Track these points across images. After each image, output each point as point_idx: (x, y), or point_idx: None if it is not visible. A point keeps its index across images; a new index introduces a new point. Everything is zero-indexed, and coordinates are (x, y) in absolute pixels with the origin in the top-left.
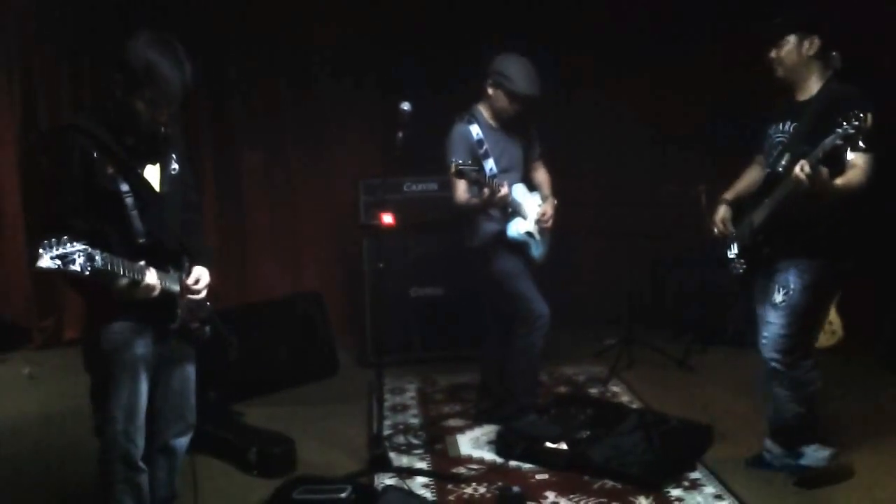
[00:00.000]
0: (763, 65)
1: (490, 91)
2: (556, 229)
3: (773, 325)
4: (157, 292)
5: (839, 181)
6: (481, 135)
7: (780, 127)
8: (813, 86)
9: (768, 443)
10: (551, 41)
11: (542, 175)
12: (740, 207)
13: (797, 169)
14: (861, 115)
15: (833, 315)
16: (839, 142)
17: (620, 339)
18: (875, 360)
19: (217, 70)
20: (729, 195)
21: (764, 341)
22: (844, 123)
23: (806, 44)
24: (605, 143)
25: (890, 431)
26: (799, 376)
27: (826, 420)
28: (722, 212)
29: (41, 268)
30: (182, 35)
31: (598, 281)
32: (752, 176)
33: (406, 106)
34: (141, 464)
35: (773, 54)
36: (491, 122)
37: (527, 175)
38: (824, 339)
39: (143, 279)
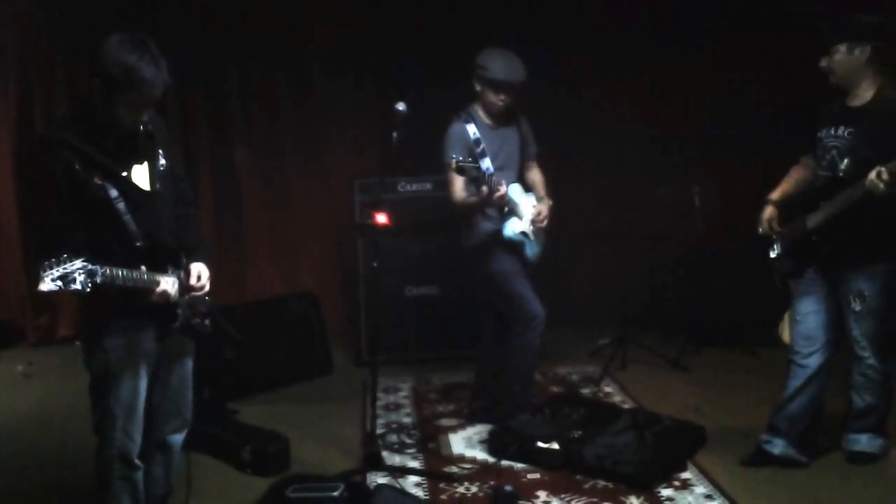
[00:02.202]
0: (760, 68)
1: (477, 87)
2: (552, 229)
3: (859, 329)
4: (172, 295)
5: None
6: (478, 134)
7: (833, 132)
8: (865, 92)
9: (765, 436)
10: (551, 41)
11: (536, 175)
12: (788, 208)
13: (873, 175)
14: None
15: None
16: None
17: (614, 339)
18: None
19: (215, 69)
20: (775, 195)
21: (861, 343)
22: None
23: (857, 51)
24: (605, 143)
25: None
26: (886, 369)
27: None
28: (769, 212)
29: (43, 291)
30: (181, 35)
31: (593, 281)
32: (798, 177)
33: (401, 106)
34: (137, 461)
35: (823, 63)
36: (487, 121)
37: (521, 174)
38: None
39: (154, 286)
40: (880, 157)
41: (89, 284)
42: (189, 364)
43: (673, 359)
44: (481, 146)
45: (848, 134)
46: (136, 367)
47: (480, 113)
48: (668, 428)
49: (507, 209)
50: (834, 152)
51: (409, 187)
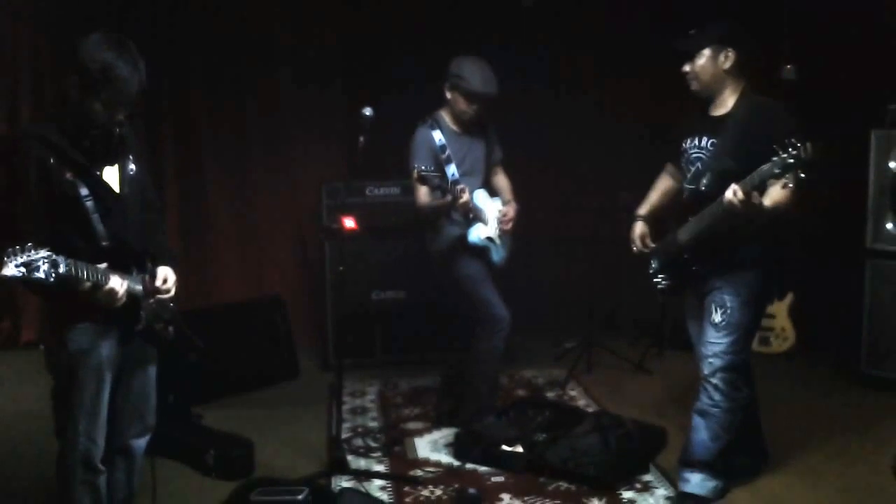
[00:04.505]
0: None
1: (448, 94)
2: (520, 231)
3: (716, 344)
4: (121, 296)
5: (767, 203)
6: (444, 140)
7: (697, 142)
8: (728, 100)
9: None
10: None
11: (502, 180)
12: (658, 221)
13: (729, 194)
14: (799, 144)
15: (785, 321)
16: (777, 170)
17: (580, 343)
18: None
19: (181, 74)
20: (643, 210)
21: (710, 360)
22: (781, 152)
23: (721, 57)
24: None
25: (835, 432)
26: (736, 396)
27: (774, 421)
28: (639, 228)
29: (6, 276)
30: (143, 38)
31: (560, 284)
32: (664, 188)
33: (368, 111)
34: (100, 465)
35: (687, 68)
36: (453, 126)
37: (488, 179)
38: (777, 345)
39: (106, 283)
40: (740, 168)
41: (53, 275)
42: (152, 370)
43: (637, 362)
44: (447, 152)
45: (711, 145)
46: (99, 370)
47: (447, 119)
48: (631, 430)
49: (472, 215)
50: (698, 164)
51: (376, 191)
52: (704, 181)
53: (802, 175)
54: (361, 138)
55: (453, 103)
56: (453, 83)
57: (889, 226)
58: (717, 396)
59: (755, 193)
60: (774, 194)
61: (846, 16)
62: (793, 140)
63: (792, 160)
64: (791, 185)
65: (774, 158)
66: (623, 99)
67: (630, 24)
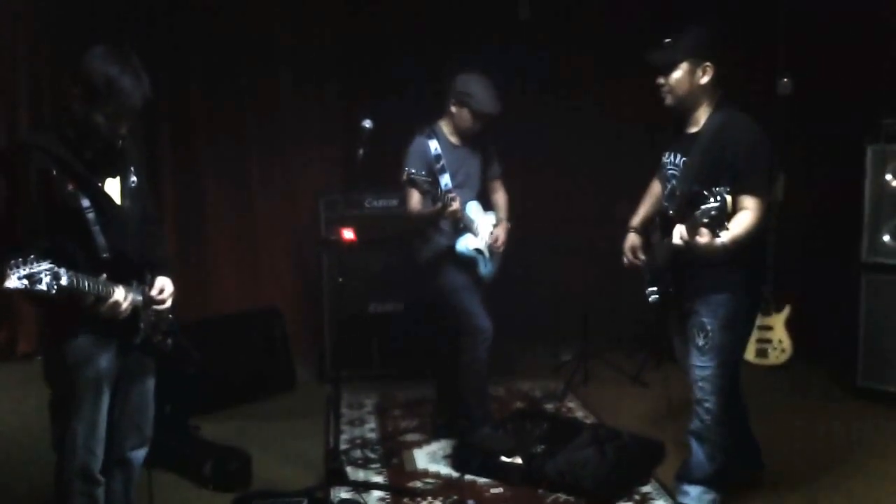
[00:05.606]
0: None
1: (454, 109)
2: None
3: (703, 368)
4: (124, 308)
5: (724, 237)
6: (439, 150)
7: (672, 159)
8: (701, 117)
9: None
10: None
11: (500, 196)
12: (649, 233)
13: (675, 235)
14: (724, 196)
15: (782, 333)
16: (705, 220)
17: (577, 355)
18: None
19: (179, 85)
20: (636, 221)
21: (700, 385)
22: (711, 199)
23: (699, 72)
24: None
25: (832, 444)
26: (727, 418)
27: (771, 433)
28: (631, 240)
29: (8, 288)
30: (142, 49)
31: (558, 296)
32: (654, 195)
33: (367, 123)
34: (99, 476)
35: (661, 80)
36: (451, 138)
37: (484, 193)
38: (774, 357)
39: (109, 296)
40: (705, 190)
41: (55, 286)
42: (150, 382)
43: (634, 375)
44: (441, 162)
45: (682, 164)
46: (97, 382)
47: (445, 130)
48: (628, 443)
49: (462, 225)
50: (673, 181)
51: (375, 203)
52: (674, 207)
53: (727, 225)
54: (361, 150)
55: (458, 118)
56: (462, 100)
57: (885, 239)
58: (708, 419)
59: (703, 233)
60: (736, 222)
61: (843, 28)
62: (717, 189)
63: (715, 211)
64: (749, 207)
65: (702, 206)
66: (623, 99)
67: (630, 24)
